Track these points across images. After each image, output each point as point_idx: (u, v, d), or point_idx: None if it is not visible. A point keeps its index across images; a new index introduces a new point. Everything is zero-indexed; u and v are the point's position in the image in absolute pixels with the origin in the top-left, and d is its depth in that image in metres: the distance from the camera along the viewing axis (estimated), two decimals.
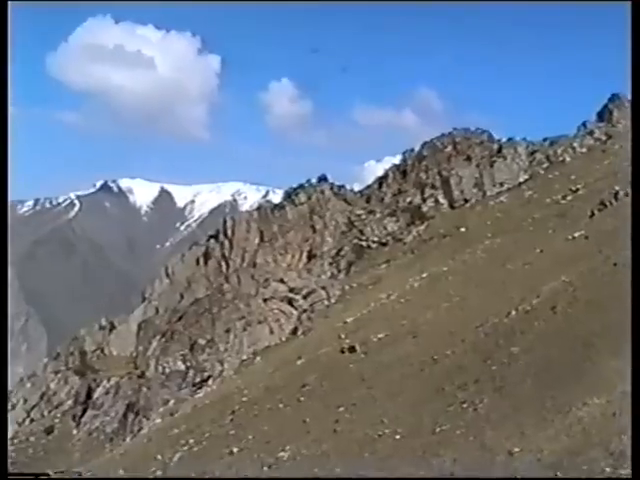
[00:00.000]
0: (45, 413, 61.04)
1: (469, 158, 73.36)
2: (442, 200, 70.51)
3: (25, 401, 63.38)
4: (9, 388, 67.39)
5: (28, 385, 65.75)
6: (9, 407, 63.06)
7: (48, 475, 37.53)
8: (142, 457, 38.13)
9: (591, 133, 73.65)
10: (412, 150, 79.85)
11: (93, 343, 69.07)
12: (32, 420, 60.74)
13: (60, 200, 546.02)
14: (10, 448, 55.37)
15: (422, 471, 18.76)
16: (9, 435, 58.33)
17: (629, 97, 77.62)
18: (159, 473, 33.32)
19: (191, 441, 35.72)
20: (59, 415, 59.16)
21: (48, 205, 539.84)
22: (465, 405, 22.37)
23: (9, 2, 23.70)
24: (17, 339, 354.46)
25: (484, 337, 29.56)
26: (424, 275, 51.10)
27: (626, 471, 13.57)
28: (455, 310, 37.94)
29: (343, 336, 43.10)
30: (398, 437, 22.41)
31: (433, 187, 72.09)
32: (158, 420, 47.00)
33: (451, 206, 69.81)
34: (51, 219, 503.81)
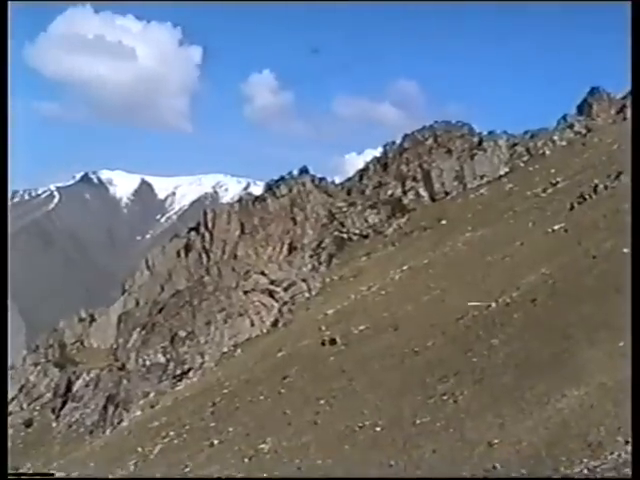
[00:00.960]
0: (24, 406, 60.73)
1: (450, 151, 73.60)
2: (423, 192, 70.71)
3: None
4: None
5: None
6: None
7: (52, 475, 37.50)
8: (122, 450, 38.03)
9: (571, 126, 74.02)
10: (393, 143, 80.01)
11: (73, 335, 68.76)
12: (11, 413, 60.43)
13: (39, 192, 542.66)
14: None
15: (402, 462, 18.84)
16: None
17: (609, 91, 78.31)
18: (140, 465, 33.28)
19: (172, 433, 35.67)
20: (38, 408, 58.87)
21: (27, 197, 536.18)
22: (445, 397, 22.48)
23: (9, 2, 23.52)
24: None
25: (464, 329, 29.69)
26: (405, 267, 51.24)
27: (604, 463, 13.68)
28: (436, 302, 38.07)
29: (324, 328, 43.17)
30: (378, 429, 22.48)
31: (414, 179, 72.26)
32: (138, 412, 46.86)
33: (432, 198, 70.02)
34: (30, 211, 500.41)
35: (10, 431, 55.96)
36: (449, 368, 24.94)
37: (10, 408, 60.90)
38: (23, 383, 62.64)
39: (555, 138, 72.28)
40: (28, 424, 55.82)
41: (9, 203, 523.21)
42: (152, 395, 48.12)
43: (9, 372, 66.05)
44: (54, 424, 53.23)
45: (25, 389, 61.77)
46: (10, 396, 62.22)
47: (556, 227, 41.82)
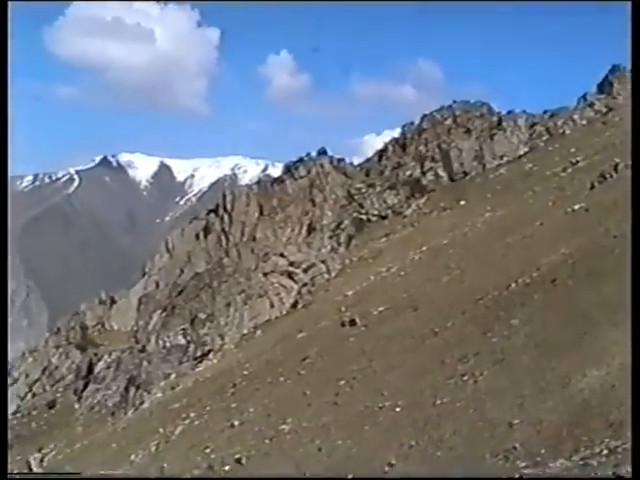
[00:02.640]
0: (47, 387, 61.35)
1: (469, 131, 73.21)
2: (442, 173, 70.47)
3: (27, 376, 63.66)
4: (10, 363, 67.65)
5: (30, 360, 66.02)
6: (10, 382, 63.37)
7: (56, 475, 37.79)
8: (144, 431, 38.37)
9: (591, 105, 73.42)
10: (412, 123, 79.66)
11: (94, 318, 69.36)
12: (34, 395, 61.04)
13: (59, 175, 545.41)
14: (13, 422, 55.69)
15: (422, 443, 18.89)
16: (11, 410, 58.66)
17: (629, 68, 77.47)
18: (161, 446, 33.55)
19: (192, 414, 35.92)
20: (61, 389, 59.46)
21: (47, 180, 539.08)
22: (465, 377, 22.47)
23: (9, 2, 23.56)
24: (18, 314, 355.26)
25: (484, 309, 29.64)
26: (424, 248, 51.16)
27: (625, 443, 13.63)
28: (455, 283, 38.02)
29: (343, 309, 43.25)
30: (398, 409, 22.53)
31: (433, 160, 72.00)
32: (159, 394, 47.19)
33: (451, 179, 69.79)
34: (50, 194, 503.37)
35: (34, 412, 56.63)
36: (469, 348, 24.93)
37: (34, 390, 61.57)
38: (46, 365, 63.27)
39: (575, 117, 71.75)
40: (51, 405, 56.42)
41: (30, 186, 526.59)
42: (173, 377, 48.42)
43: (31, 355, 66.72)
44: (76, 405, 53.73)
45: (48, 371, 62.41)
46: (33, 378, 62.88)
47: (576, 207, 41.56)
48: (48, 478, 37.28)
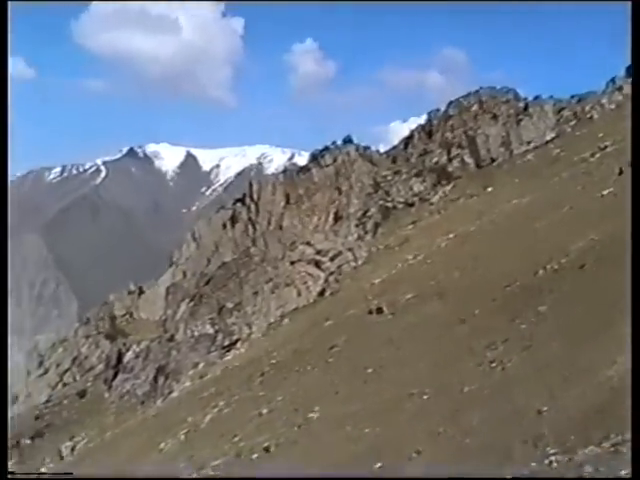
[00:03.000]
0: (77, 377, 62.01)
1: (495, 117, 72.82)
2: (468, 159, 70.19)
3: (58, 365, 64.39)
4: (40, 353, 68.40)
5: (60, 350, 66.75)
6: (41, 372, 64.07)
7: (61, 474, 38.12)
8: (173, 419, 38.65)
9: (620, 89, 72.65)
10: (438, 110, 79.34)
11: (122, 308, 69.97)
12: (65, 384, 61.72)
13: (87, 166, 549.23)
14: (45, 411, 56.35)
15: (450, 430, 18.84)
16: (43, 399, 59.31)
17: None
18: (190, 434, 33.77)
19: (221, 403, 36.11)
20: (91, 379, 60.09)
21: (75, 172, 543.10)
22: (493, 364, 22.35)
23: (9, 2, 23.70)
24: (47, 305, 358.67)
25: (512, 296, 29.46)
26: (451, 235, 50.99)
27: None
28: (482, 269, 37.84)
29: (370, 297, 43.20)
30: (426, 397, 22.48)
31: (459, 146, 71.74)
32: (188, 383, 47.53)
33: (477, 165, 69.47)
34: (78, 185, 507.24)
35: (65, 401, 57.26)
36: (497, 335, 24.78)
37: (64, 379, 62.28)
38: (76, 355, 63.95)
39: (603, 101, 71.13)
40: (82, 395, 57.07)
41: (58, 178, 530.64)
42: (201, 366, 48.75)
43: (62, 345, 67.41)
44: (107, 394, 54.29)
45: (78, 361, 63.08)
46: (64, 368, 63.59)
47: (605, 192, 41.20)
48: (48, 478, 37.67)
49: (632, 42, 20.64)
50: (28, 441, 52.74)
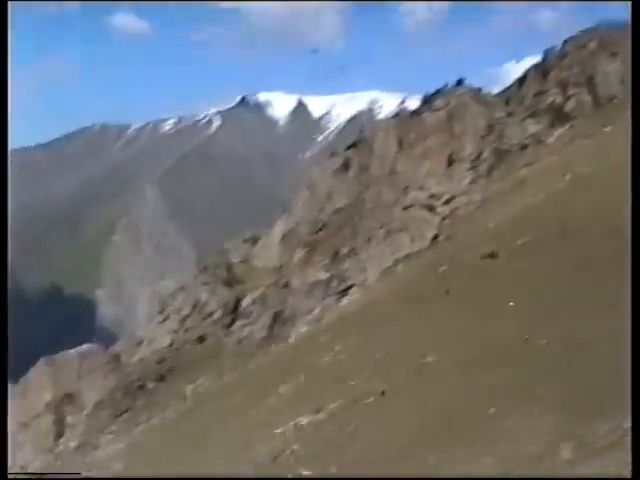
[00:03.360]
0: (197, 322, 63.77)
1: (615, 53, 69.84)
2: (586, 99, 67.75)
3: (178, 312, 66.36)
4: (160, 300, 70.58)
5: (180, 297, 68.70)
6: (163, 318, 66.17)
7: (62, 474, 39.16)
8: (291, 363, 39.32)
9: None
10: (553, 48, 76.70)
11: (238, 255, 71.18)
12: (186, 330, 63.60)
13: (201, 116, 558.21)
14: (167, 355, 58.29)
15: (570, 375, 18.46)
16: (165, 344, 61.35)
17: None
18: (309, 376, 34.31)
19: (336, 348, 36.42)
20: (210, 324, 61.66)
21: (190, 122, 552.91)
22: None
23: (9, 2, 23.99)
24: (166, 254, 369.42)
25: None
26: (567, 177, 49.53)
27: None
28: (603, 211, 36.64)
29: (485, 241, 42.58)
30: (544, 341, 22.09)
31: (576, 85, 69.25)
32: (304, 328, 48.21)
33: (596, 105, 67.01)
34: (193, 135, 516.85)
35: (186, 346, 59.07)
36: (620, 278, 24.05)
37: (185, 325, 64.22)
38: (195, 302, 65.71)
39: None
40: (202, 340, 58.72)
41: (173, 129, 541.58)
42: (317, 311, 49.34)
43: (182, 292, 69.35)
44: (225, 339, 55.64)
45: (197, 307, 64.80)
46: (184, 314, 65.53)
47: None
48: (48, 478, 38.79)
49: (632, 42, 21.12)
50: (153, 384, 54.81)
